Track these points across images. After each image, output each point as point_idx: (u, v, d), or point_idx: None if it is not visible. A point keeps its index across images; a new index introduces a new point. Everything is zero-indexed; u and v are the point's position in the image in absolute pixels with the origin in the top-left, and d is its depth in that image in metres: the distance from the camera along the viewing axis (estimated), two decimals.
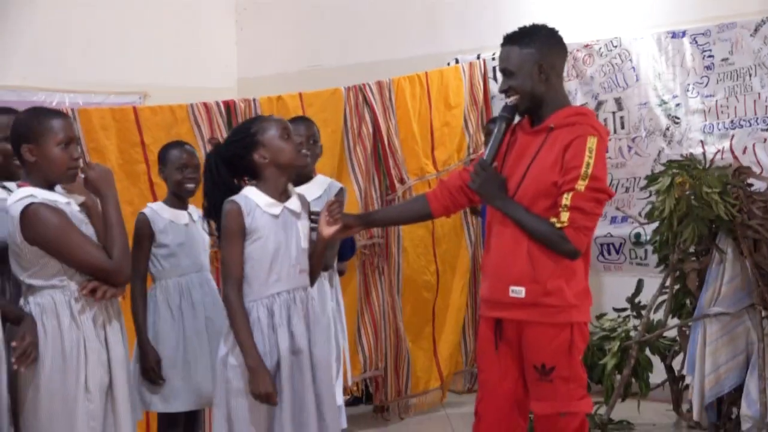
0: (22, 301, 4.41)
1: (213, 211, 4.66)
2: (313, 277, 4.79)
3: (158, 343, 5.54)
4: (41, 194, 4.33)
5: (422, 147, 8.36)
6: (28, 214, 4.27)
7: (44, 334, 4.31)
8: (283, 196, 4.63)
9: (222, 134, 7.02)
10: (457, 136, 8.66)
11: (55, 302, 4.34)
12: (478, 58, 9.07)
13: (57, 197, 4.39)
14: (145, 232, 5.58)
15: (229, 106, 7.29)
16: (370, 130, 7.92)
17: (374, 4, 10.04)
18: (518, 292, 4.37)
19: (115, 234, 4.42)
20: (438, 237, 8.40)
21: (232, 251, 4.52)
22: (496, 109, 8.66)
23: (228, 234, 4.53)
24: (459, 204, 4.72)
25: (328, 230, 4.58)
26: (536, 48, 4.44)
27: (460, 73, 8.74)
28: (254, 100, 7.47)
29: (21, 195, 4.33)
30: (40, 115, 4.45)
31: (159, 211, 5.65)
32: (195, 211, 5.70)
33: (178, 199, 5.71)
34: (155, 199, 6.59)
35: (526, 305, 4.38)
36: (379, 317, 7.91)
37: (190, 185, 5.65)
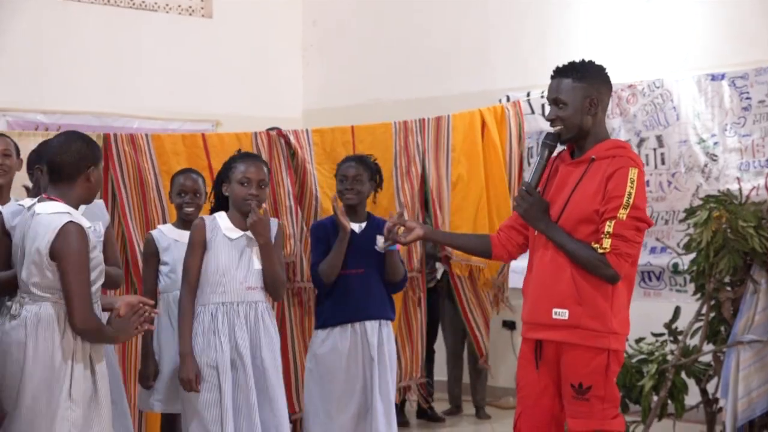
0: (13, 304, 4.35)
1: None
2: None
3: (161, 349, 5.59)
4: (75, 214, 4.34)
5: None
6: (66, 229, 4.24)
7: (36, 342, 4.26)
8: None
9: (280, 162, 7.08)
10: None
11: (51, 314, 4.29)
12: (528, 95, 9.01)
13: (83, 220, 4.39)
14: (151, 251, 5.65)
15: (286, 134, 7.26)
16: (419, 170, 7.75)
17: (429, 42, 10.02)
18: (561, 314, 4.31)
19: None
20: None
21: (191, 259, 4.93)
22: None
23: (191, 244, 4.96)
24: (515, 242, 4.64)
25: (408, 238, 4.67)
26: (588, 82, 4.39)
27: (505, 114, 8.53)
28: (307, 131, 7.42)
29: (59, 209, 4.31)
30: (92, 141, 4.59)
31: (166, 232, 5.69)
32: None
33: (183, 222, 5.69)
34: None
35: (568, 327, 4.31)
36: (416, 336, 7.80)
37: (189, 209, 5.67)
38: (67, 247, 4.24)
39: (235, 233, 4.89)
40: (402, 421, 8.26)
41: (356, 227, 5.77)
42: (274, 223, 5.05)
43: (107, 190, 6.55)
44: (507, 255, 4.68)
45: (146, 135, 6.83)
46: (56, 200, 4.36)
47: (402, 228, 4.73)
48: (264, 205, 4.96)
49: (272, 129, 7.62)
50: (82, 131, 7.80)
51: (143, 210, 6.67)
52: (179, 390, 4.98)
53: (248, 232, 4.86)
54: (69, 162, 4.38)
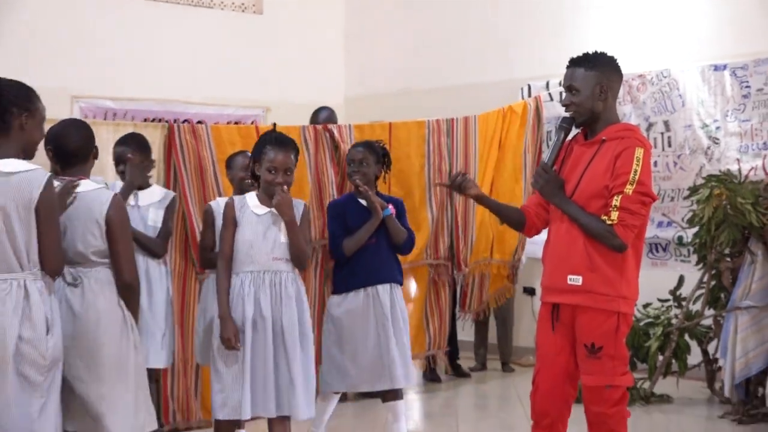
0: (66, 274, 4.32)
1: None
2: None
3: (206, 311, 5.73)
4: None
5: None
6: (115, 200, 4.38)
7: (105, 301, 4.33)
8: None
9: (325, 154, 7.10)
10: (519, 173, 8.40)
11: (109, 276, 4.37)
12: (547, 84, 8.97)
13: None
14: (210, 220, 5.67)
15: (330, 131, 7.26)
16: (446, 167, 7.71)
17: (459, 34, 9.97)
18: (575, 280, 4.30)
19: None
20: None
21: (225, 234, 4.92)
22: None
23: (223, 222, 4.95)
24: (542, 217, 4.63)
25: (468, 191, 4.66)
26: (599, 71, 4.38)
27: (527, 109, 8.44)
28: (349, 127, 7.41)
29: (97, 185, 4.45)
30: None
31: (221, 204, 5.49)
32: None
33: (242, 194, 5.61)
34: None
35: (581, 291, 4.29)
36: (444, 313, 7.86)
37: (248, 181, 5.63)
38: (118, 214, 4.37)
39: (262, 210, 4.88)
40: (434, 378, 8.31)
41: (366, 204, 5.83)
42: (300, 203, 5.03)
43: (170, 174, 6.59)
44: (536, 229, 4.67)
45: (206, 126, 6.86)
46: (85, 179, 4.44)
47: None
48: (284, 188, 4.90)
49: (320, 110, 7.61)
50: (146, 116, 7.93)
51: (202, 192, 6.69)
52: (210, 345, 4.99)
53: (273, 209, 4.89)
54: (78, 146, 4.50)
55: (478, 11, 9.90)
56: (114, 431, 4.26)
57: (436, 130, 7.70)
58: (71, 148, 4.46)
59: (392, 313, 5.75)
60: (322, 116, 7.96)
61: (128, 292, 4.43)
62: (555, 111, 8.91)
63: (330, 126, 7.33)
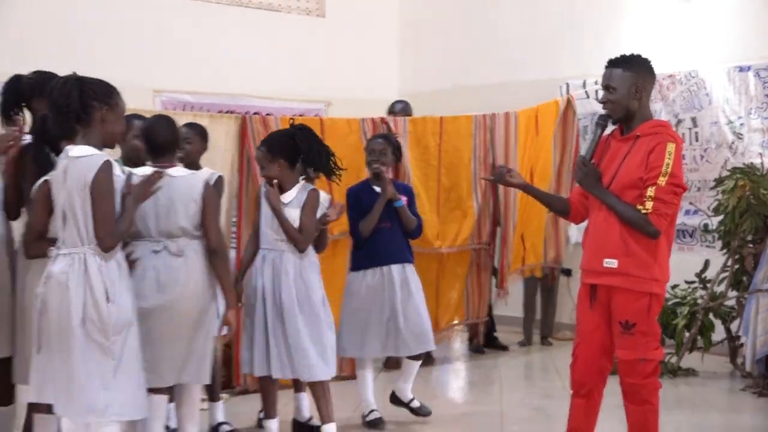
0: (168, 245, 4.56)
1: None
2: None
3: None
4: None
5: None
6: (208, 183, 4.70)
7: (205, 268, 4.65)
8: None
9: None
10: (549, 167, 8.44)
11: (203, 247, 4.65)
12: (584, 83, 8.96)
13: None
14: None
15: (387, 123, 7.31)
16: (491, 160, 7.78)
17: (504, 35, 9.94)
18: (611, 263, 4.32)
19: None
20: None
21: (254, 215, 5.45)
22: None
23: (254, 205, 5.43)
24: (584, 206, 4.64)
25: (512, 180, 4.68)
26: (634, 71, 4.38)
27: (558, 108, 8.50)
28: (404, 120, 7.46)
29: (188, 171, 4.79)
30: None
31: None
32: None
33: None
34: (331, 190, 6.74)
35: (617, 274, 4.31)
36: (483, 289, 8.03)
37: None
38: (212, 194, 4.74)
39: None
40: (476, 349, 8.36)
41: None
42: (305, 189, 5.27)
43: (243, 161, 6.66)
44: (580, 216, 4.68)
45: (275, 117, 6.92)
46: (175, 166, 4.68)
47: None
48: (275, 181, 5.21)
49: (396, 104, 7.67)
50: (219, 109, 8.01)
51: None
52: None
53: (283, 196, 5.20)
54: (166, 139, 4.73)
55: (522, 12, 9.87)
56: (206, 379, 4.76)
57: (482, 124, 7.74)
58: (161, 140, 4.66)
59: (408, 288, 5.89)
60: (398, 107, 8.04)
61: (215, 256, 4.65)
62: (591, 108, 8.90)
63: (386, 119, 7.39)
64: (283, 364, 5.11)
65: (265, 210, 5.25)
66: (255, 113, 7.16)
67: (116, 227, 4.01)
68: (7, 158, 4.48)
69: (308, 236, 5.22)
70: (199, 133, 5.69)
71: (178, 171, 4.67)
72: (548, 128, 8.34)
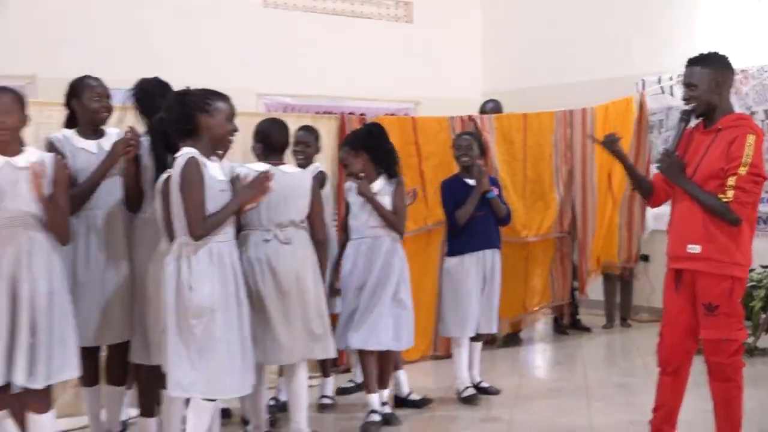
0: (278, 234, 4.68)
1: None
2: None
3: None
4: None
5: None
6: (322, 176, 5.16)
7: (310, 254, 4.82)
8: None
9: None
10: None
11: (308, 236, 4.87)
12: (659, 80, 8.85)
13: None
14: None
15: (474, 120, 7.34)
16: (570, 154, 7.77)
17: (582, 35, 9.84)
18: (694, 249, 4.30)
19: None
20: None
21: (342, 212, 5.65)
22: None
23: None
24: (665, 193, 4.64)
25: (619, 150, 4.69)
26: (714, 68, 4.35)
27: (632, 105, 8.36)
28: (490, 117, 7.48)
29: (296, 168, 5.03)
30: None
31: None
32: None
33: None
34: (423, 183, 6.86)
35: (700, 259, 4.29)
36: (567, 274, 8.00)
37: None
38: (317, 188, 4.95)
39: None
40: (560, 331, 8.35)
41: (473, 182, 5.96)
42: (388, 178, 5.40)
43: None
44: (659, 201, 4.68)
45: (365, 117, 7.00)
46: (284, 163, 4.84)
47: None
48: (362, 174, 5.37)
49: (488, 102, 7.71)
50: (317, 110, 8.12)
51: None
52: None
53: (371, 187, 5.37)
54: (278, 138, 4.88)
55: (599, 14, 9.78)
56: (333, 352, 4.91)
57: (563, 120, 7.73)
58: (273, 140, 4.80)
59: (495, 271, 6.04)
60: (489, 107, 8.02)
61: (320, 246, 4.85)
62: (665, 103, 8.86)
63: (474, 116, 7.42)
64: (360, 336, 5.27)
65: (355, 202, 5.39)
66: (350, 113, 7.25)
67: (207, 219, 4.08)
68: (128, 158, 4.62)
69: (402, 218, 5.40)
70: (316, 137, 5.90)
71: (289, 168, 4.86)
72: (622, 126, 8.26)
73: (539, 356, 7.74)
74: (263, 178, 4.32)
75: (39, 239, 3.85)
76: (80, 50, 8.01)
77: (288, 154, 5.16)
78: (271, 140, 4.83)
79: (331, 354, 4.93)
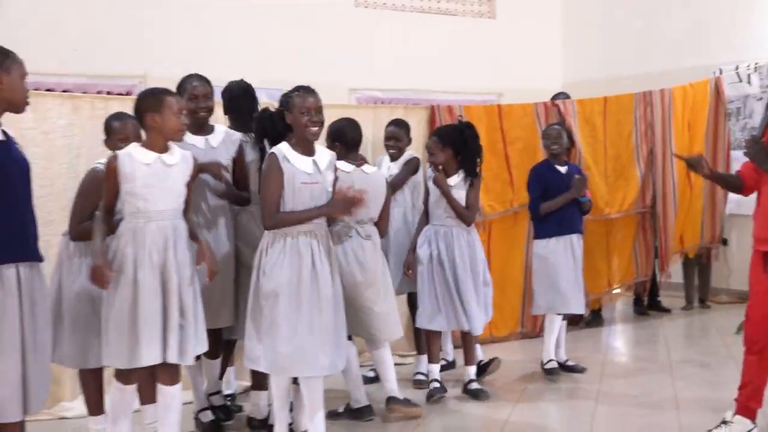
0: (358, 229, 4.76)
1: None
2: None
3: None
4: None
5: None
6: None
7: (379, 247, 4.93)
8: None
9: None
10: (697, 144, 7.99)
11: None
12: (737, 68, 8.57)
13: None
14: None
15: (558, 106, 7.23)
16: (650, 133, 7.59)
17: (661, 25, 9.62)
18: None
19: None
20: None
21: (424, 196, 5.61)
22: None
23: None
24: (755, 180, 4.48)
25: (705, 172, 4.51)
26: None
27: (707, 88, 8.10)
28: (572, 102, 7.37)
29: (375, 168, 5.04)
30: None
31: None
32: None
33: None
34: (509, 167, 6.85)
35: None
36: (650, 248, 7.82)
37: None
38: (389, 188, 4.98)
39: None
40: (641, 311, 8.18)
41: (563, 170, 5.92)
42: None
43: None
44: (750, 190, 4.51)
45: (459, 106, 6.93)
46: (363, 162, 4.90)
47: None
48: (440, 167, 5.36)
49: (559, 95, 7.62)
50: (405, 103, 8.07)
51: None
52: None
53: (448, 180, 5.41)
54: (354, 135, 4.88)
55: (677, 3, 9.52)
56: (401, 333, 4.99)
57: (642, 100, 7.60)
58: (349, 138, 4.83)
59: (578, 257, 5.94)
60: (561, 99, 7.92)
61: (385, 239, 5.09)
62: (743, 91, 8.56)
63: (557, 102, 7.32)
64: (449, 319, 5.32)
65: (434, 191, 5.38)
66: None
67: (281, 213, 4.10)
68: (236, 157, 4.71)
69: (473, 213, 5.39)
70: (407, 130, 5.86)
71: (369, 168, 4.89)
72: (700, 108, 8.03)
73: (621, 336, 7.57)
74: (357, 201, 4.27)
75: (181, 231, 3.90)
76: (186, 50, 8.11)
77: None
78: (346, 138, 4.84)
79: (400, 334, 5.02)
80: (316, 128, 4.18)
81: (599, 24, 10.41)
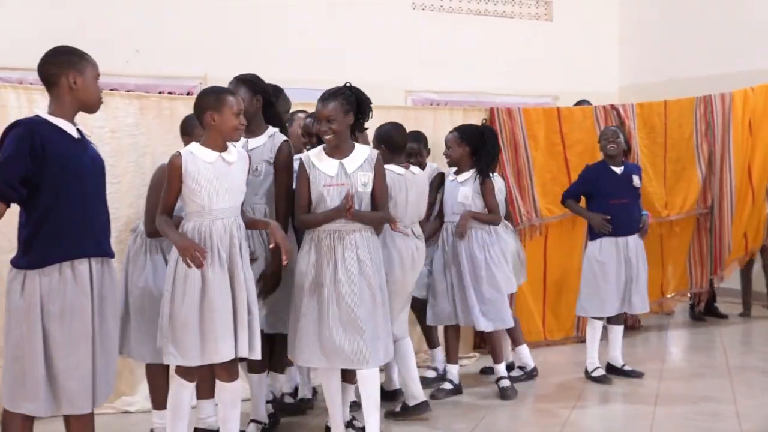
0: (413, 229, 4.81)
1: None
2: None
3: None
4: None
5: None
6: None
7: None
8: None
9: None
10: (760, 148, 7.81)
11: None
12: None
13: None
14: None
15: (617, 109, 7.17)
16: (710, 134, 7.48)
17: (720, 30, 9.51)
18: None
19: None
20: None
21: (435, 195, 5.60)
22: None
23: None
24: None
25: None
26: None
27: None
28: (632, 105, 7.31)
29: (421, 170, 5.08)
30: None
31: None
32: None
33: None
34: (569, 171, 6.70)
35: None
36: (705, 259, 7.65)
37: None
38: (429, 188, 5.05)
39: None
40: (697, 317, 8.07)
41: (618, 170, 5.86)
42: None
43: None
44: None
45: (518, 108, 6.92)
46: (408, 164, 4.88)
47: None
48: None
49: (581, 102, 7.58)
50: (461, 105, 8.09)
51: (515, 163, 6.81)
52: None
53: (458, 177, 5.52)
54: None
55: (733, 6, 9.41)
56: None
57: (702, 103, 7.51)
58: (395, 142, 4.87)
59: (639, 256, 5.85)
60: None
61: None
62: None
63: (616, 105, 7.28)
64: (458, 316, 5.39)
65: (449, 197, 5.46)
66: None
67: (304, 215, 4.27)
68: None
69: (498, 211, 5.45)
70: (424, 143, 5.79)
71: (416, 169, 4.91)
72: (763, 111, 7.88)
73: (678, 341, 7.47)
74: (349, 208, 4.20)
75: (242, 227, 3.95)
76: (245, 51, 8.20)
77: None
78: (393, 142, 4.85)
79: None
80: (327, 136, 4.27)
81: (656, 27, 10.32)
